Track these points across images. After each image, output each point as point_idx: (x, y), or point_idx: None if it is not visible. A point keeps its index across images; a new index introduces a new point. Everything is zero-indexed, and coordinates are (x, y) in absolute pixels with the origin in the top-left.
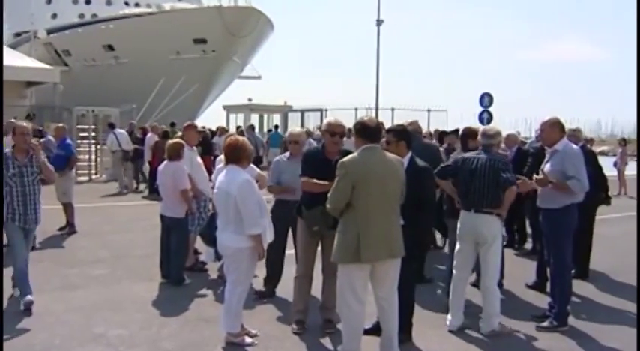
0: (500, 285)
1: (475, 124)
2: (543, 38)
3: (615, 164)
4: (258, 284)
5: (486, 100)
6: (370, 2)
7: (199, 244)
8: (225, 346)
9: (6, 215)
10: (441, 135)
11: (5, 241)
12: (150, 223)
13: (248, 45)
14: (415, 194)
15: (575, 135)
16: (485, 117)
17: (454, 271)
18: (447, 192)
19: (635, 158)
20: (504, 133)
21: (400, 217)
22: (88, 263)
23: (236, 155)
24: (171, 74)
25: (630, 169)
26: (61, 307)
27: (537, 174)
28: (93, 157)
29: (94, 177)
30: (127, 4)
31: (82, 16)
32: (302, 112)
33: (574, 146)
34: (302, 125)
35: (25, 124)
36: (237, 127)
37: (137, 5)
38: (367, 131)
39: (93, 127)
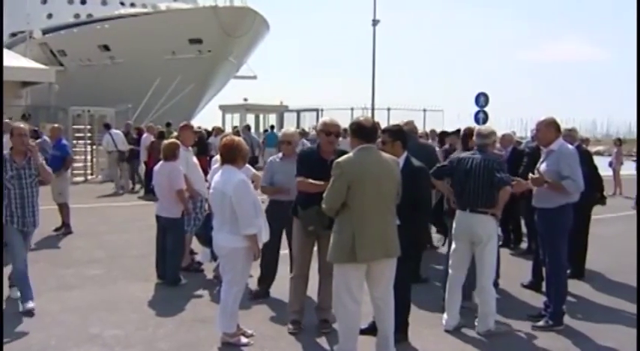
0: (495, 285)
1: (471, 124)
2: (540, 38)
3: (611, 164)
4: (254, 284)
5: (482, 100)
6: (366, 2)
7: (195, 244)
8: (221, 347)
9: (5, 218)
10: (442, 135)
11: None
12: (146, 223)
13: (244, 45)
14: (411, 194)
15: (571, 135)
16: (481, 117)
17: (450, 271)
18: (443, 192)
19: (631, 158)
20: (500, 133)
21: (396, 217)
22: (83, 264)
23: (232, 155)
24: (167, 74)
25: (625, 169)
26: (57, 307)
27: (533, 174)
28: (89, 157)
29: (89, 177)
30: (122, 4)
31: (77, 16)
32: (298, 112)
33: (569, 146)
34: (298, 125)
35: (22, 125)
36: (234, 127)
37: (133, 5)
38: (363, 131)
39: (88, 127)
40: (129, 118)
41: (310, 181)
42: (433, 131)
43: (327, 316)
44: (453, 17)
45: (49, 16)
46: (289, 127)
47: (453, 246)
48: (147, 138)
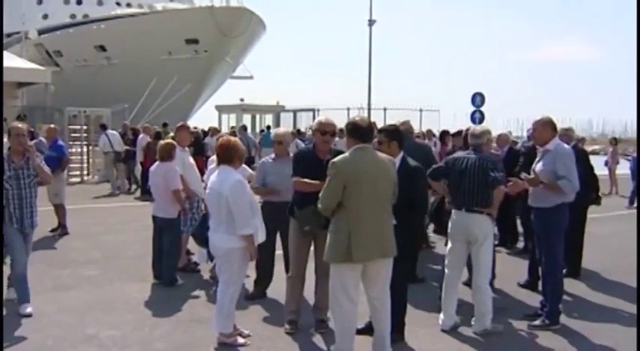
0: (492, 284)
1: (468, 123)
2: (536, 38)
3: (606, 163)
4: (250, 285)
5: (478, 99)
6: (362, 2)
7: (192, 244)
8: (217, 347)
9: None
10: (443, 134)
11: None
12: (142, 223)
13: (240, 45)
14: (407, 194)
15: (567, 134)
16: (478, 117)
17: (446, 270)
18: (440, 192)
19: (625, 157)
20: (496, 133)
21: (392, 217)
22: (80, 264)
23: (228, 155)
24: (164, 75)
25: (621, 168)
26: (54, 308)
27: (529, 173)
28: (85, 158)
29: (85, 178)
30: (118, 4)
31: (73, 16)
32: (294, 112)
33: (565, 146)
34: (294, 125)
35: (20, 125)
36: (231, 128)
37: (129, 5)
38: (359, 131)
39: (85, 127)
40: (125, 118)
41: (306, 180)
42: (430, 131)
43: (324, 315)
44: (449, 17)
45: (45, 16)
46: (286, 127)
47: (449, 245)
48: (143, 138)
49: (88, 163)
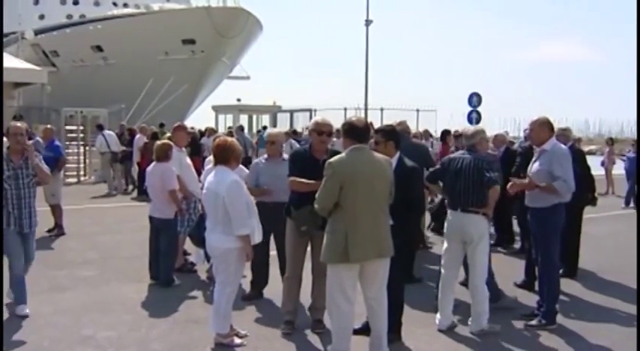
0: (488, 284)
1: (464, 124)
2: (533, 39)
3: (603, 163)
4: (247, 285)
5: (475, 100)
6: (359, 2)
7: (188, 245)
8: (214, 347)
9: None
10: (444, 133)
11: None
12: (139, 224)
13: (237, 45)
14: (404, 194)
15: (565, 134)
16: (474, 117)
17: (442, 270)
18: (437, 193)
19: (620, 157)
20: (493, 133)
21: (389, 217)
22: (76, 265)
23: (225, 156)
24: (160, 75)
25: (618, 168)
26: (50, 309)
27: (525, 173)
28: (81, 158)
29: (82, 178)
30: (115, 4)
31: (69, 16)
32: (291, 112)
33: (562, 146)
34: (291, 126)
35: (19, 124)
36: (229, 128)
37: (125, 6)
38: (355, 131)
39: (81, 128)
40: (122, 118)
41: (302, 180)
42: (427, 131)
43: (321, 316)
44: (447, 18)
45: (42, 16)
46: (282, 127)
47: (445, 245)
48: (140, 139)
49: (84, 163)
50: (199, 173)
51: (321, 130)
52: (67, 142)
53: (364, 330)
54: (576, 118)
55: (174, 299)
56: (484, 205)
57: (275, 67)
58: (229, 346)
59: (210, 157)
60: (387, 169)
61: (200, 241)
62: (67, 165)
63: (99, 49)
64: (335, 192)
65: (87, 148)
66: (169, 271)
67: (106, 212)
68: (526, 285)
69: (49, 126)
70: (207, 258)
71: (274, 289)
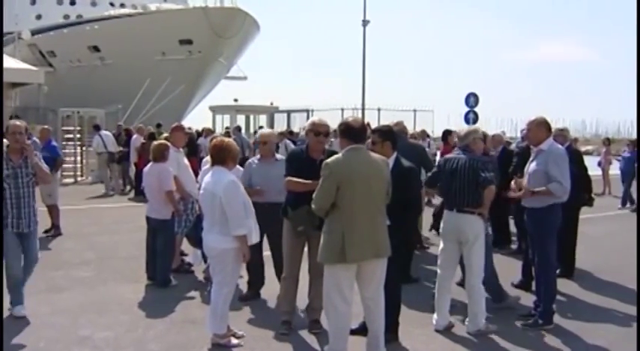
0: (484, 284)
1: (461, 124)
2: (531, 39)
3: (599, 163)
4: (244, 285)
5: (472, 100)
6: (357, 2)
7: (185, 245)
8: (211, 348)
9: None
10: (445, 134)
11: None
12: (136, 224)
13: (234, 46)
14: (401, 194)
15: (562, 134)
16: (472, 117)
17: (438, 271)
18: (439, 195)
19: (618, 157)
20: (490, 134)
21: (386, 217)
22: (73, 265)
23: (222, 156)
24: (157, 75)
25: (614, 169)
26: (47, 309)
27: (522, 173)
28: (78, 158)
29: (79, 179)
30: (112, 4)
31: (66, 16)
32: (288, 112)
33: (559, 146)
34: (288, 126)
35: (18, 123)
36: (226, 128)
37: (122, 6)
38: (351, 132)
39: (78, 128)
40: (119, 119)
41: (298, 180)
42: (424, 131)
43: (318, 316)
44: (445, 18)
45: (38, 16)
46: (280, 128)
47: (441, 246)
48: (137, 139)
49: (81, 163)
50: (197, 174)
51: (318, 130)
52: (64, 143)
53: (361, 330)
54: (573, 119)
55: (172, 300)
56: (479, 205)
57: (272, 68)
58: (226, 347)
59: (208, 158)
60: (383, 169)
61: (197, 242)
62: (64, 165)
63: (96, 49)
64: (332, 192)
65: (84, 148)
66: (166, 272)
67: (103, 213)
68: (523, 285)
69: (46, 126)
70: (205, 258)
71: (271, 290)
